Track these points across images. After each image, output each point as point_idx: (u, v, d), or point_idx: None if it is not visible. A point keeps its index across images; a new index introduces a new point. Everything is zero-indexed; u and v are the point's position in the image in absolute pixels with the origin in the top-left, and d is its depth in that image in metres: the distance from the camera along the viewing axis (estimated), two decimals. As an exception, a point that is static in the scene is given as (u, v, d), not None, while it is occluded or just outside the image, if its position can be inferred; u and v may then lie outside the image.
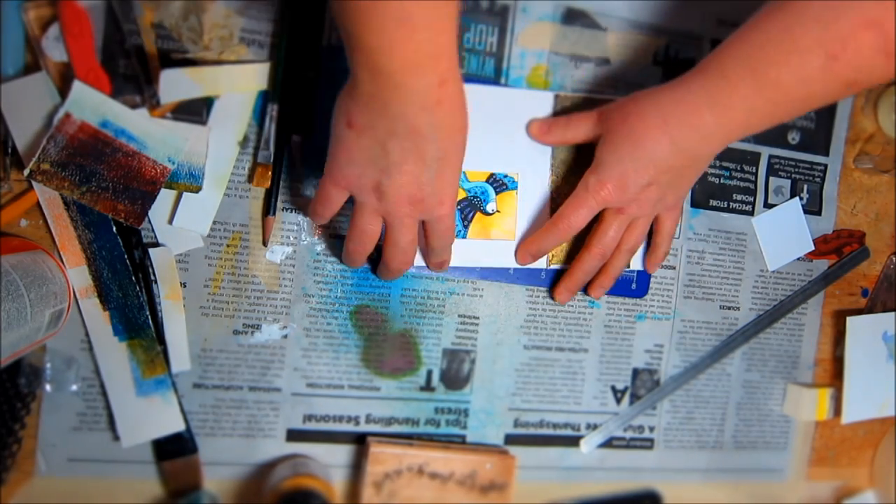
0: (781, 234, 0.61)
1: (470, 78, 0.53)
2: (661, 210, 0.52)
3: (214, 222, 0.50)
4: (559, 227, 0.50)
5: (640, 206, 0.50)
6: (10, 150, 0.46)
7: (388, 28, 0.35)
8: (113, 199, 0.46)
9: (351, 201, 0.45)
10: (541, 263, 0.54)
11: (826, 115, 0.61)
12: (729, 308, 0.61)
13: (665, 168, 0.47)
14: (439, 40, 0.37)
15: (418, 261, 0.52)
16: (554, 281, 0.56)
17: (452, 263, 0.52)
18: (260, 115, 0.50)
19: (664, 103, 0.47)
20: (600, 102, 0.54)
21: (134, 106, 0.47)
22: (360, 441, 0.55)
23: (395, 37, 0.36)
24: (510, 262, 0.54)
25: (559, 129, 0.52)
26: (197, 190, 0.49)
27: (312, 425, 0.54)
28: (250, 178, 0.50)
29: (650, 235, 0.55)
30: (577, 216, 0.50)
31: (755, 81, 0.44)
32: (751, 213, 0.60)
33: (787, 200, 0.60)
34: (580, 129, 0.51)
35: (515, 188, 0.53)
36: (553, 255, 0.54)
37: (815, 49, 0.42)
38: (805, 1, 0.42)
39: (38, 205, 0.47)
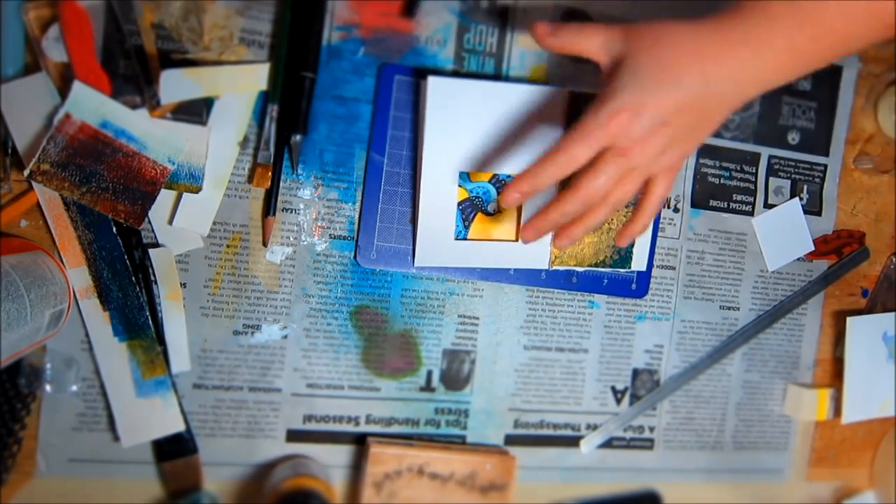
0: (781, 234, 0.61)
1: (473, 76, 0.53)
2: (659, 168, 0.46)
3: (214, 223, 0.50)
4: (558, 161, 0.42)
5: (644, 152, 0.43)
6: (10, 151, 0.46)
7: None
8: (113, 199, 0.46)
9: None
10: (541, 263, 0.54)
11: (826, 116, 0.61)
12: (729, 308, 0.61)
13: (687, 107, 0.43)
14: None
15: (423, 261, 0.52)
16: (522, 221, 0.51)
17: (453, 264, 0.52)
18: (260, 115, 0.50)
19: (702, 34, 0.42)
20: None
21: (134, 106, 0.47)
22: (360, 441, 0.55)
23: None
24: (510, 263, 0.54)
25: (568, 35, 0.45)
26: (197, 190, 0.49)
27: (312, 426, 0.54)
28: (250, 179, 0.50)
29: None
30: (580, 149, 0.42)
31: (796, 16, 0.42)
32: (751, 214, 0.60)
33: (787, 201, 0.60)
34: (595, 39, 0.44)
35: (516, 188, 0.53)
36: (556, 257, 0.54)
37: None
38: None
39: (38, 205, 0.47)
